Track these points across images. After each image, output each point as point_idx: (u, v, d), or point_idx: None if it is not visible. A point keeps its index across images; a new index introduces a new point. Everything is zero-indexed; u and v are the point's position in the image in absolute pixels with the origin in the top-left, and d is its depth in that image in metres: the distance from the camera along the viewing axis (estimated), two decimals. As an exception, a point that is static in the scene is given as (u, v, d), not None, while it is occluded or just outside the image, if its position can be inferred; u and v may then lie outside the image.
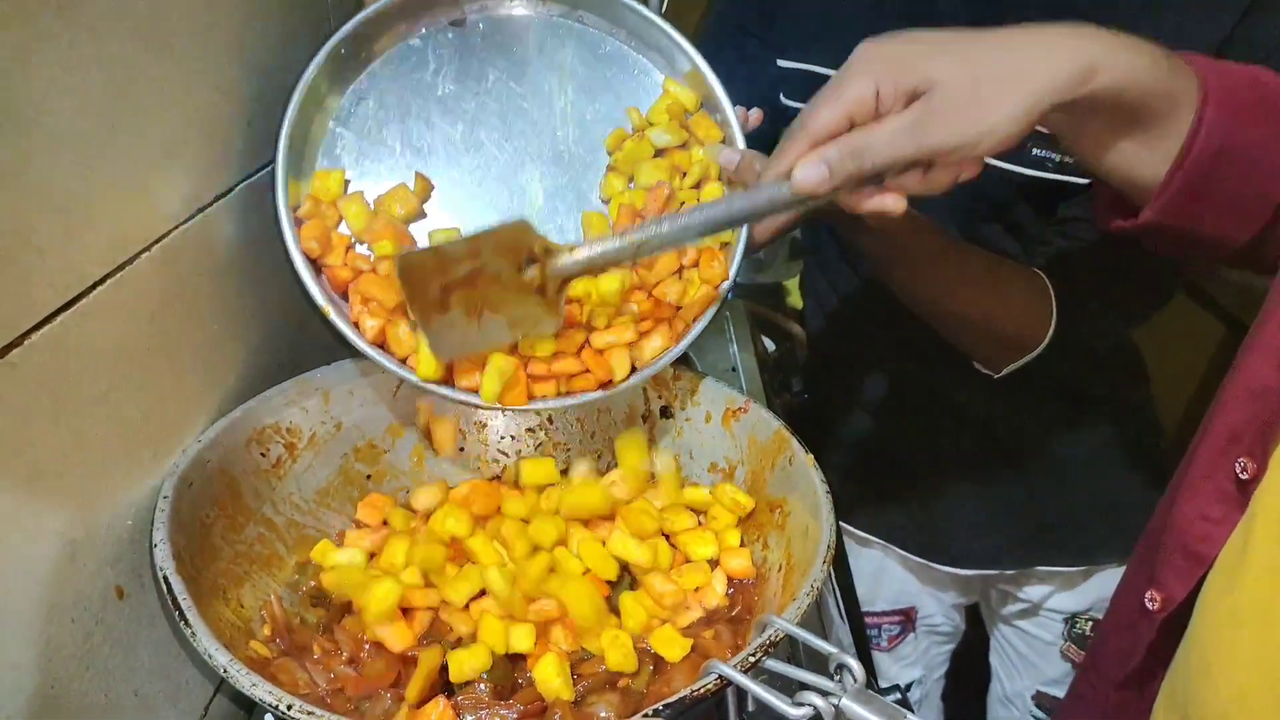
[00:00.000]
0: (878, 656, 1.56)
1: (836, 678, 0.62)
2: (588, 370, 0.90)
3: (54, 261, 0.63)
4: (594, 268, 0.82)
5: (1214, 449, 0.71)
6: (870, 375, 1.34)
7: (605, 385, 0.91)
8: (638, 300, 0.92)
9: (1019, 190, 1.05)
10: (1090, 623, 1.38)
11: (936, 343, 1.11)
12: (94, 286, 0.67)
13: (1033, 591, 1.40)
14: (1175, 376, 1.78)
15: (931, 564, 1.41)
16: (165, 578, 0.71)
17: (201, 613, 0.70)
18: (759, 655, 0.68)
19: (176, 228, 0.78)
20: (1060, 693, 1.45)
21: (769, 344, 1.76)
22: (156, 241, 0.75)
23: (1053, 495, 1.30)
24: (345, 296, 0.90)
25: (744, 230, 0.91)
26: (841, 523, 1.43)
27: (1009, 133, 0.66)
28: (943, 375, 1.22)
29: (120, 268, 0.70)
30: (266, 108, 0.89)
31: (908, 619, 1.51)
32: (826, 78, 1.03)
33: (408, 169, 0.94)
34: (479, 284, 0.81)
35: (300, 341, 1.01)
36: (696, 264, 0.92)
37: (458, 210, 0.96)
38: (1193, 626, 0.69)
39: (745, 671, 0.65)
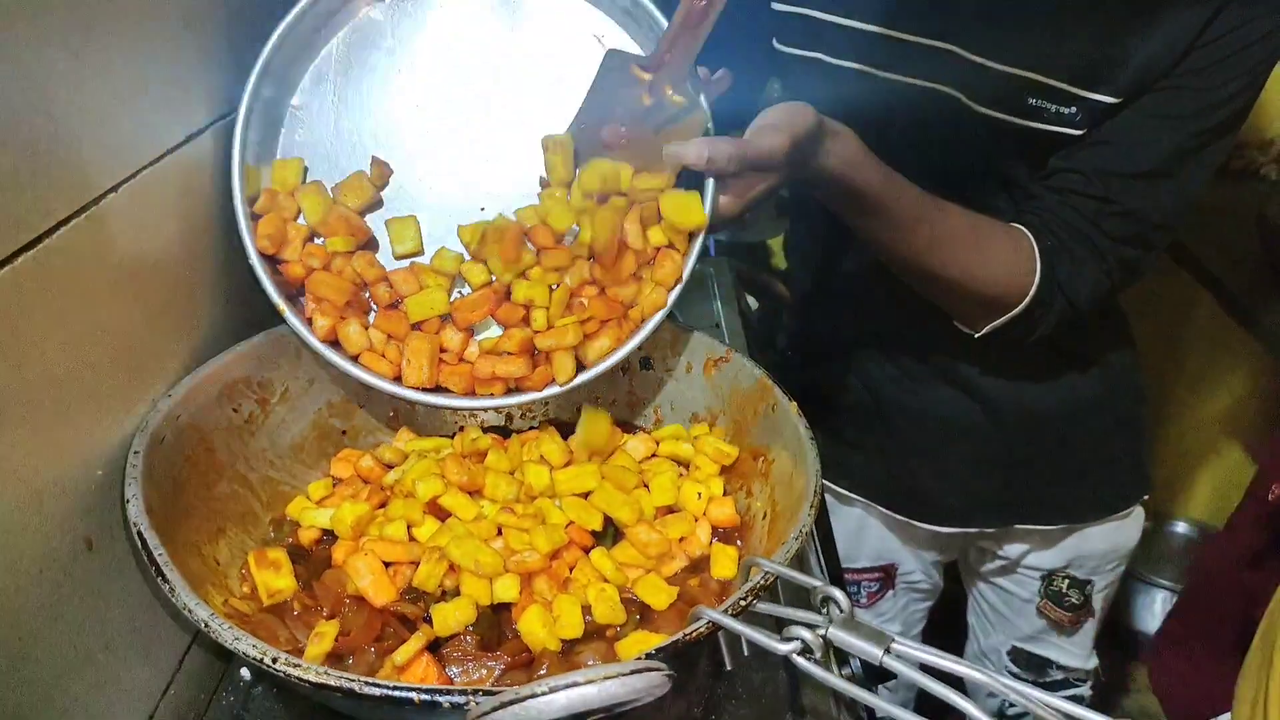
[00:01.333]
0: (856, 613, 1.57)
1: (823, 610, 0.62)
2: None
3: (16, 199, 0.61)
4: None
5: None
6: (854, 334, 1.34)
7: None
8: (588, 295, 0.91)
9: (1014, 142, 1.05)
10: (1067, 580, 1.40)
11: (921, 301, 1.11)
12: (59, 226, 0.66)
13: (1011, 549, 1.42)
14: (1157, 340, 1.80)
15: (912, 521, 1.41)
16: (140, 533, 0.70)
17: (178, 567, 0.69)
18: (749, 599, 0.68)
19: (145, 168, 0.77)
20: (1037, 648, 1.48)
21: (752, 302, 1.76)
22: (125, 181, 0.73)
23: (1034, 454, 1.31)
24: (303, 291, 0.91)
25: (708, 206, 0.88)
26: (823, 480, 1.44)
27: None
28: (927, 333, 1.22)
29: (86, 208, 0.69)
30: (236, 46, 0.87)
31: (887, 576, 1.53)
32: (822, 22, 1.03)
33: (367, 153, 0.94)
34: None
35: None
36: (652, 262, 0.91)
37: (419, 196, 0.95)
38: None
39: (736, 616, 0.65)
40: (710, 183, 0.86)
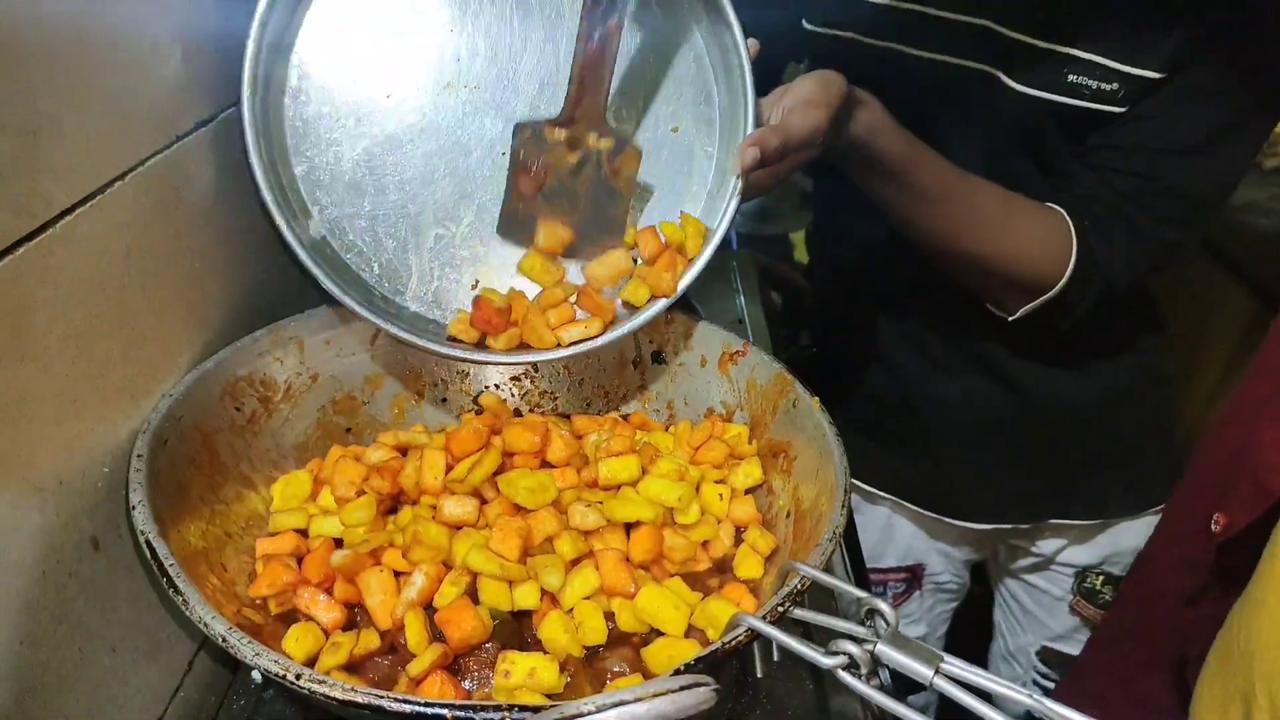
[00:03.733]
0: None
1: (868, 623, 0.62)
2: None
3: (17, 187, 0.61)
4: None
5: None
6: (880, 326, 1.35)
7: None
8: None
9: (1053, 120, 1.06)
10: (1101, 576, 1.40)
11: (948, 291, 1.11)
12: (62, 215, 0.65)
13: (1045, 545, 1.43)
14: (1187, 329, 1.81)
15: (944, 519, 1.42)
16: (149, 542, 0.69)
17: (188, 577, 0.68)
18: (787, 605, 0.68)
19: (153, 156, 0.76)
20: (1067, 648, 1.49)
21: (777, 298, 1.76)
22: (131, 170, 0.73)
23: (1069, 446, 1.31)
24: None
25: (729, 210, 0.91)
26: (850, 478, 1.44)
27: None
28: (959, 322, 1.23)
29: (91, 196, 0.68)
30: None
31: (914, 577, 1.53)
32: None
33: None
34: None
35: (293, 284, 0.99)
36: (653, 262, 0.93)
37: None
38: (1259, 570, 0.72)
39: (774, 622, 0.65)
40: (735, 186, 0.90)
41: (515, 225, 0.95)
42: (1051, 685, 1.51)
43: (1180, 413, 1.40)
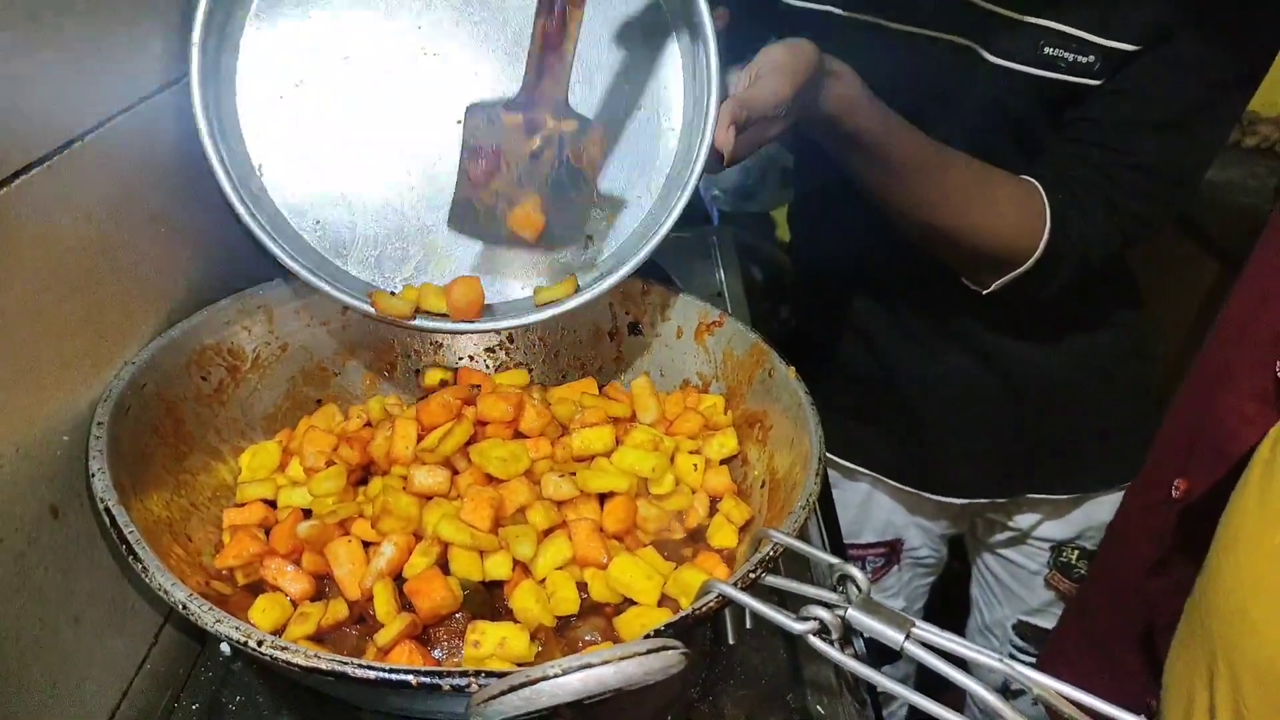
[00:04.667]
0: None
1: (840, 589, 0.62)
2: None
3: (-30, 147, 0.60)
4: None
5: (1258, 346, 0.76)
6: (859, 302, 1.35)
7: None
8: None
9: (1030, 93, 1.05)
10: (1076, 551, 1.41)
11: (929, 268, 1.11)
12: (16, 175, 0.64)
13: (1022, 520, 1.43)
14: (1169, 313, 1.82)
15: (923, 493, 1.43)
16: (108, 509, 0.69)
17: (150, 546, 0.68)
18: (759, 572, 0.68)
19: (115, 116, 0.75)
20: (1042, 621, 1.50)
21: (757, 274, 1.76)
22: (92, 130, 0.72)
23: (1045, 422, 1.32)
24: None
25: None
26: (829, 454, 1.44)
27: None
28: (937, 297, 1.23)
29: (48, 157, 0.67)
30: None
31: (893, 551, 1.54)
32: None
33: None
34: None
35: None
36: None
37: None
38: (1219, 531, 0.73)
39: (745, 589, 0.64)
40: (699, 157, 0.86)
41: (465, 216, 0.89)
42: (1028, 659, 1.53)
43: (1159, 390, 1.41)
